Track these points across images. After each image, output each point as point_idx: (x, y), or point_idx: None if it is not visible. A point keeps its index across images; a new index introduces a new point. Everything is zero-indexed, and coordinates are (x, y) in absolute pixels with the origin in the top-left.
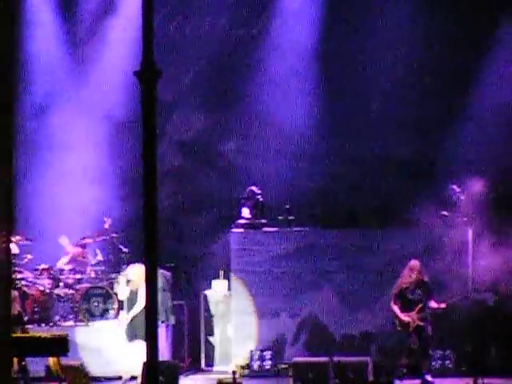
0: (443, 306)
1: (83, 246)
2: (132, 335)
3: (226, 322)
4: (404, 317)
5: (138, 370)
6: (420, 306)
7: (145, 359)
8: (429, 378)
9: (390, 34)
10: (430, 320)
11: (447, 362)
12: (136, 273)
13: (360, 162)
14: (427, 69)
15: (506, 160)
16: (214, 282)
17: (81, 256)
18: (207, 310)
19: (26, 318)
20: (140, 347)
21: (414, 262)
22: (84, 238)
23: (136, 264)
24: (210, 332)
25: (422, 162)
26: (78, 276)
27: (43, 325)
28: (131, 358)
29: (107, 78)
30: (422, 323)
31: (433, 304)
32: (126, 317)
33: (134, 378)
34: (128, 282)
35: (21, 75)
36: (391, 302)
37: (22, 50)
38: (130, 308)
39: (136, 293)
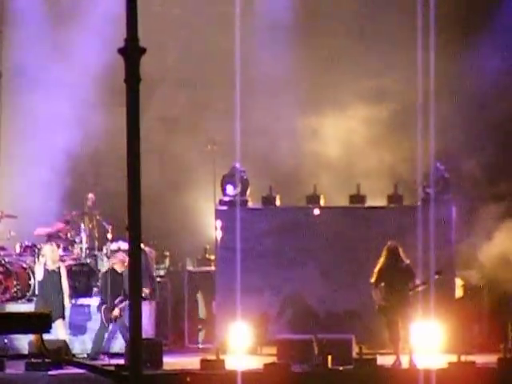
0: (419, 282)
1: (66, 222)
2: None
3: (210, 299)
4: (380, 301)
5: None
6: (397, 289)
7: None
8: (400, 360)
9: None
10: (412, 301)
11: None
12: (47, 252)
13: (344, 141)
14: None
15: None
16: (198, 259)
17: (63, 232)
18: (191, 287)
19: (8, 296)
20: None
21: (391, 245)
22: (66, 214)
23: (48, 244)
24: (194, 309)
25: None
26: (62, 253)
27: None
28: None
29: (90, 55)
30: (399, 307)
31: (415, 282)
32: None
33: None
34: (45, 262)
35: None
36: (372, 289)
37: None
38: (43, 287)
39: (52, 272)
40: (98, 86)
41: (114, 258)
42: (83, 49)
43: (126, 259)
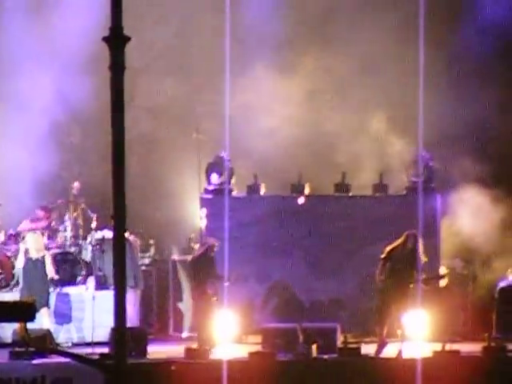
0: (422, 277)
1: (48, 211)
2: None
3: None
4: (380, 281)
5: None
6: (400, 276)
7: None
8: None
9: None
10: (412, 292)
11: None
12: (30, 241)
13: (328, 131)
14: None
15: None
16: (183, 248)
17: (46, 220)
18: (176, 275)
19: None
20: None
21: (410, 231)
22: (51, 202)
23: (31, 232)
24: (178, 298)
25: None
26: (46, 241)
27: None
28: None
29: (73, 43)
30: (397, 292)
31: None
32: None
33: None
34: (26, 250)
35: None
36: (379, 266)
37: None
38: (27, 276)
39: (36, 261)
40: (85, 70)
41: (206, 243)
42: (68, 30)
43: (216, 243)
